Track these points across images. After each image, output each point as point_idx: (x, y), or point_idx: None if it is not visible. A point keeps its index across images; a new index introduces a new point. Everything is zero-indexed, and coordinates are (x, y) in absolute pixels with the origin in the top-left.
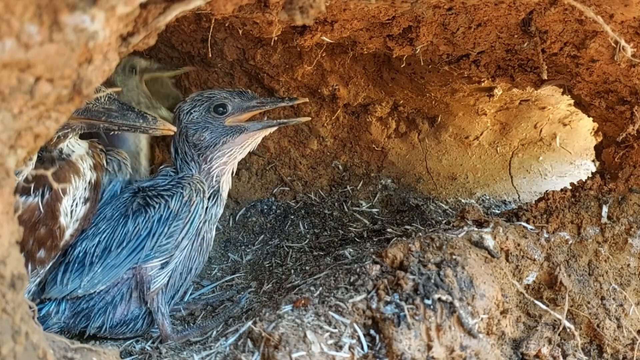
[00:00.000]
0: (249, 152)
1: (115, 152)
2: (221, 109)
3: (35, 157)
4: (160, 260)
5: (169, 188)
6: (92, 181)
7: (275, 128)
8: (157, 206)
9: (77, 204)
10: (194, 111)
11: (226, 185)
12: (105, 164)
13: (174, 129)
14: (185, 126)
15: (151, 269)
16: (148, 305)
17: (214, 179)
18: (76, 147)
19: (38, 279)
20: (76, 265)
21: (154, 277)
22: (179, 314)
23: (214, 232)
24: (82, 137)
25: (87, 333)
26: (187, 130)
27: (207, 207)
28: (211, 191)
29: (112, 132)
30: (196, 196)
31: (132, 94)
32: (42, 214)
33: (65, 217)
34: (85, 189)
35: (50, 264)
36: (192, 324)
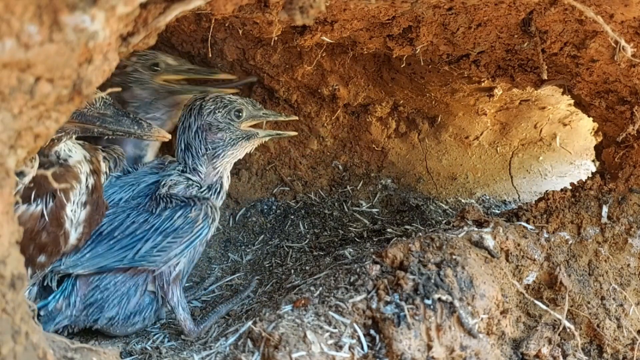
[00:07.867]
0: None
1: (111, 149)
2: (239, 113)
3: (37, 162)
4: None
5: (178, 203)
6: (90, 186)
7: (272, 137)
8: (162, 215)
9: (75, 209)
10: (217, 112)
11: (226, 181)
12: (103, 167)
13: (169, 136)
14: (208, 123)
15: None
16: (167, 300)
17: (217, 175)
18: (73, 152)
19: (36, 281)
20: None
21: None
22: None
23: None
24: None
25: (97, 325)
26: (209, 127)
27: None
28: (216, 186)
29: (107, 137)
30: (203, 220)
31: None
32: (46, 222)
33: (69, 222)
34: (83, 193)
35: (50, 267)
36: (209, 312)
